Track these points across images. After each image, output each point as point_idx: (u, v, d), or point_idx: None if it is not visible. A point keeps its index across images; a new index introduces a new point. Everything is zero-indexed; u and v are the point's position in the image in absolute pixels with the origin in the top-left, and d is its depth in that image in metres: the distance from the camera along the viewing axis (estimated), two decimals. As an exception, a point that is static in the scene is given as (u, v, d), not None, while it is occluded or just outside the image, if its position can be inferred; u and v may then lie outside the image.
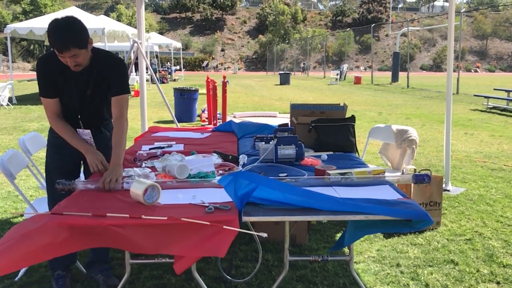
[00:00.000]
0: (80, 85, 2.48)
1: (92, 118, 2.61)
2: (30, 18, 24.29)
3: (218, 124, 8.84)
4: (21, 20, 32.45)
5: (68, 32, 2.25)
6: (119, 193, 2.18)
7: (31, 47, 40.02)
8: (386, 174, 2.42)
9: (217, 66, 49.59)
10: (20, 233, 1.74)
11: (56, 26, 2.25)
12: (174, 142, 3.46)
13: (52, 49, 2.34)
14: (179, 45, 27.22)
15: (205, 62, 47.33)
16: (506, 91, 13.26)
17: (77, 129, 2.58)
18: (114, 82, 2.52)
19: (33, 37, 14.99)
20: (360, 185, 2.33)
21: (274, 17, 52.59)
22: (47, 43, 17.28)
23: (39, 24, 13.87)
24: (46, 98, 2.49)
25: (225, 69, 49.12)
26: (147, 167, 2.67)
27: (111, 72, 2.51)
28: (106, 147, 2.57)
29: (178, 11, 57.10)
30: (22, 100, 13.38)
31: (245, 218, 1.93)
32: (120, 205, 2.01)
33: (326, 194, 1.98)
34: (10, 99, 12.81)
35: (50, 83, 2.45)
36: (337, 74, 26.95)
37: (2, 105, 12.10)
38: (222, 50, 53.54)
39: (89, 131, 2.57)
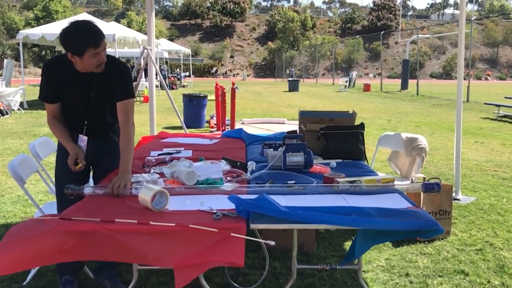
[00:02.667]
0: (85, 89, 2.49)
1: (96, 123, 2.61)
2: (42, 24, 24.60)
3: (226, 130, 8.87)
4: (33, 26, 32.88)
5: (94, 26, 2.31)
6: (128, 199, 2.19)
7: (43, 52, 40.49)
8: (395, 182, 2.40)
9: (226, 73, 49.81)
10: (26, 235, 1.75)
11: (80, 26, 2.28)
12: (183, 148, 3.47)
13: (67, 54, 2.33)
14: (188, 51, 27.37)
15: (214, 69, 47.56)
16: (517, 99, 13.14)
17: (79, 135, 2.59)
18: (118, 87, 2.52)
19: (45, 43, 15.18)
20: (369, 193, 2.31)
21: (283, 24, 52.77)
22: (58, 48, 17.49)
23: (51, 30, 14.04)
24: (50, 104, 2.51)
25: (234, 75, 49.31)
26: (156, 173, 2.67)
27: (115, 77, 2.50)
28: (114, 153, 2.57)
29: (188, 17, 57.57)
30: (33, 105, 13.52)
31: (253, 226, 1.92)
32: (129, 211, 2.02)
33: (333, 214, 1.94)
34: (21, 104, 12.95)
35: (55, 87, 2.46)
36: (346, 81, 26.92)
37: (13, 110, 12.24)
38: (231, 56, 53.79)
39: (86, 138, 2.58)
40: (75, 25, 2.29)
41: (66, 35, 2.28)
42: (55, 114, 2.54)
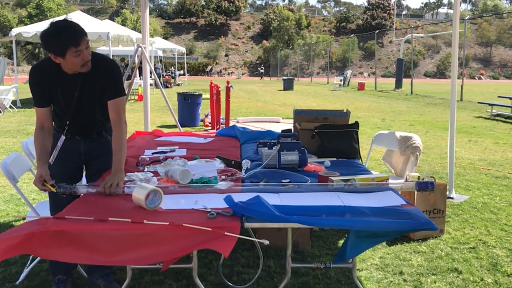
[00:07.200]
0: (73, 90, 2.45)
1: (88, 122, 2.59)
2: (36, 22, 24.42)
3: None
4: (27, 24, 32.65)
5: (72, 25, 2.28)
6: (122, 197, 2.18)
7: (36, 50, 40.23)
8: (390, 181, 2.40)
9: (220, 71, 49.71)
10: (21, 232, 1.74)
11: (58, 27, 2.24)
12: (177, 147, 3.46)
13: (50, 55, 2.31)
14: (183, 50, 27.29)
15: (209, 67, 47.46)
16: (510, 98, 13.21)
17: (60, 135, 2.57)
18: (108, 85, 2.49)
19: (38, 41, 15.04)
20: (364, 192, 2.31)
21: (278, 22, 52.75)
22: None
23: (44, 28, 13.93)
24: (40, 108, 2.47)
25: (228, 74, 49.26)
26: (150, 171, 2.66)
27: (104, 75, 2.47)
28: (107, 152, 2.56)
29: (182, 16, 57.37)
30: (26, 103, 13.42)
31: (247, 225, 1.91)
32: (123, 210, 2.00)
33: (328, 216, 1.94)
34: (14, 102, 12.85)
35: (45, 90, 2.43)
36: (341, 80, 26.94)
37: (6, 108, 12.15)
38: (226, 55, 53.70)
39: (63, 137, 2.56)
40: (53, 25, 2.25)
41: (45, 37, 2.25)
42: (44, 121, 2.48)
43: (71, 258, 1.77)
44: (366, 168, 2.94)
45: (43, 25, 14.97)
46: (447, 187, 4.18)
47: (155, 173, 2.62)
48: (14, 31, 13.77)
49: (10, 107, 12.35)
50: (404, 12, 73.04)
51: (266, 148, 2.90)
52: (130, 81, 6.45)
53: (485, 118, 12.10)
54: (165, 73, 27.60)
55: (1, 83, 15.29)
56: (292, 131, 3.57)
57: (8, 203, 4.39)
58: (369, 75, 48.45)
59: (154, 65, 21.80)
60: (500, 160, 6.70)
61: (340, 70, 46.22)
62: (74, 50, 2.26)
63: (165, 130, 4.99)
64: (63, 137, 2.57)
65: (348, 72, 31.66)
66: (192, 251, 1.84)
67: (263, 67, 45.54)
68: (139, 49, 5.52)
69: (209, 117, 10.02)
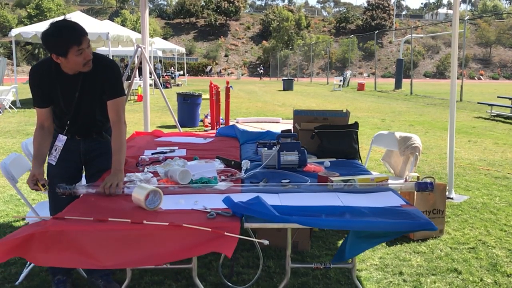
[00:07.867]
0: (73, 90, 2.46)
1: (88, 122, 2.59)
2: (35, 22, 24.42)
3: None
4: (26, 24, 32.65)
5: (73, 24, 2.28)
6: (122, 198, 2.18)
7: (36, 51, 40.22)
8: (389, 181, 2.41)
9: (220, 72, 49.72)
10: (21, 234, 1.74)
11: (59, 27, 2.25)
12: (177, 147, 3.46)
13: (51, 56, 2.31)
14: (183, 50, 27.28)
15: (209, 68, 47.47)
16: (510, 99, 13.22)
17: (58, 134, 2.57)
18: (108, 85, 2.49)
19: (38, 41, 15.04)
20: (363, 192, 2.31)
21: (278, 23, 52.77)
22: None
23: (44, 28, 13.90)
24: (39, 108, 2.47)
25: (228, 74, 49.26)
26: (150, 172, 2.66)
27: (104, 75, 2.47)
28: (107, 153, 2.56)
29: (182, 16, 57.40)
30: (26, 103, 13.42)
31: (247, 225, 1.91)
32: (122, 210, 2.00)
33: (327, 216, 1.94)
34: (14, 103, 12.85)
35: (45, 91, 2.43)
36: (341, 81, 26.95)
37: (6, 108, 12.14)
38: (226, 55, 53.71)
39: (65, 137, 2.56)
40: (54, 26, 2.26)
41: (47, 37, 2.25)
42: (44, 120, 2.48)
43: (69, 263, 1.77)
44: (365, 169, 2.94)
45: (43, 26, 14.94)
46: (447, 187, 4.19)
47: (155, 174, 2.62)
48: (14, 32, 13.77)
49: (10, 107, 12.34)
50: (403, 13, 73.09)
51: (266, 149, 2.90)
52: (129, 81, 6.45)
53: (485, 118, 12.11)
54: (165, 74, 27.60)
55: (1, 83, 15.28)
56: (292, 131, 3.58)
57: (8, 203, 4.39)
58: (368, 76, 48.46)
59: (154, 65, 21.80)
60: (499, 161, 6.70)
61: (340, 70, 46.23)
62: (76, 49, 2.26)
63: (165, 131, 4.99)
64: (64, 137, 2.57)
65: (348, 73, 31.66)
66: (195, 255, 1.84)
67: (262, 68, 45.64)
68: (139, 49, 5.52)
69: (209, 117, 10.02)
